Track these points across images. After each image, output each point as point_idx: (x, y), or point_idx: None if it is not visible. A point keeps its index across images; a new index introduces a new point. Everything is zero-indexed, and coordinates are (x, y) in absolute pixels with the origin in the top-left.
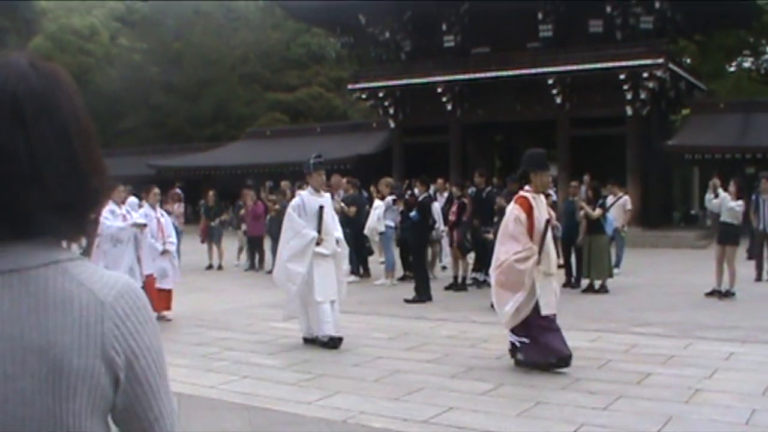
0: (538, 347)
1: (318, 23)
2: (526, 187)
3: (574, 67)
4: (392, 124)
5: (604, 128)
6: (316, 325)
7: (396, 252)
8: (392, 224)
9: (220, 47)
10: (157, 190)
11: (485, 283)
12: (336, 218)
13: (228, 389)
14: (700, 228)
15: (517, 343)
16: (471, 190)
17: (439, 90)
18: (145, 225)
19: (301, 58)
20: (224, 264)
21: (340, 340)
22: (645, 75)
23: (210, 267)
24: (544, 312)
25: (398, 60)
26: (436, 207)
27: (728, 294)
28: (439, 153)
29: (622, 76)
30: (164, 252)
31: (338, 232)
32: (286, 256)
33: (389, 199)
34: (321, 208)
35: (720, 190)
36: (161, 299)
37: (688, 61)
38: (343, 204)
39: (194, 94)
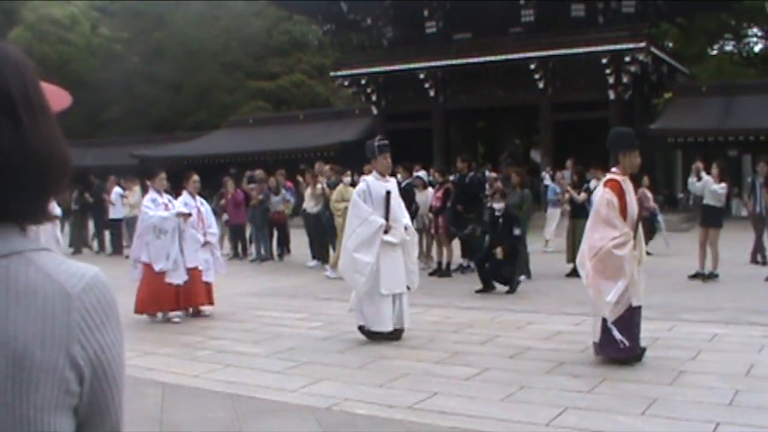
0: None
1: (299, 10)
2: (614, 170)
3: (556, 52)
4: (375, 111)
5: (587, 112)
6: (372, 318)
7: None
8: None
9: (202, 36)
10: (196, 177)
11: (469, 269)
12: (402, 204)
13: (212, 378)
14: (683, 211)
15: (621, 341)
16: (454, 175)
17: (422, 76)
18: (189, 215)
19: (283, 46)
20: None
21: (401, 331)
22: (627, 59)
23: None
24: (635, 303)
25: (380, 47)
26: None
27: (711, 276)
28: (422, 139)
29: (604, 60)
30: (205, 243)
31: (406, 219)
32: (352, 246)
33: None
34: (388, 193)
35: (703, 174)
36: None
37: (670, 44)
38: (326, 186)
39: (176, 83)
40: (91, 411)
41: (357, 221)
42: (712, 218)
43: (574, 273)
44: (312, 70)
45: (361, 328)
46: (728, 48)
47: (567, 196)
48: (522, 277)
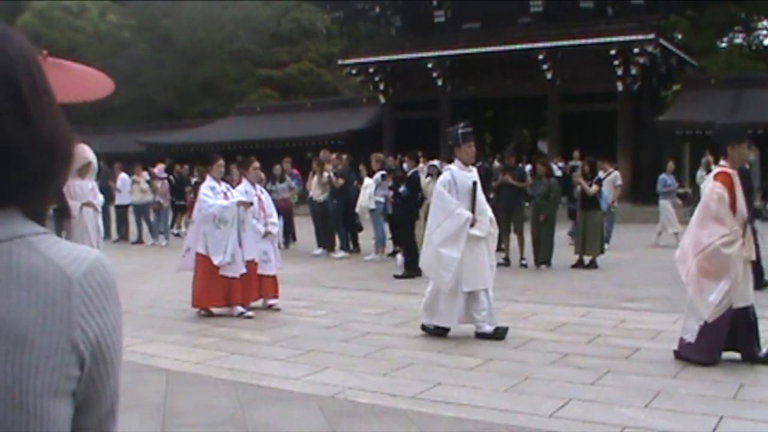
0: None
1: None
2: (722, 162)
3: (565, 43)
4: (382, 100)
5: (595, 104)
6: (443, 313)
7: (386, 227)
8: (382, 200)
9: (210, 24)
10: (257, 164)
11: None
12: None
13: (216, 365)
14: (689, 204)
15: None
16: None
17: (430, 66)
18: (251, 204)
19: (292, 34)
20: None
21: (506, 329)
22: (636, 51)
23: None
24: (738, 304)
25: (388, 35)
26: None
27: None
28: (429, 128)
29: (612, 52)
30: (266, 234)
31: (489, 211)
32: (437, 241)
33: (378, 175)
34: (474, 184)
35: (713, 167)
36: (266, 286)
37: (680, 36)
38: (332, 174)
39: (184, 71)
40: (88, 395)
41: (443, 214)
42: None
43: (580, 264)
44: (320, 58)
45: (424, 327)
46: (738, 41)
47: (579, 188)
48: (542, 266)
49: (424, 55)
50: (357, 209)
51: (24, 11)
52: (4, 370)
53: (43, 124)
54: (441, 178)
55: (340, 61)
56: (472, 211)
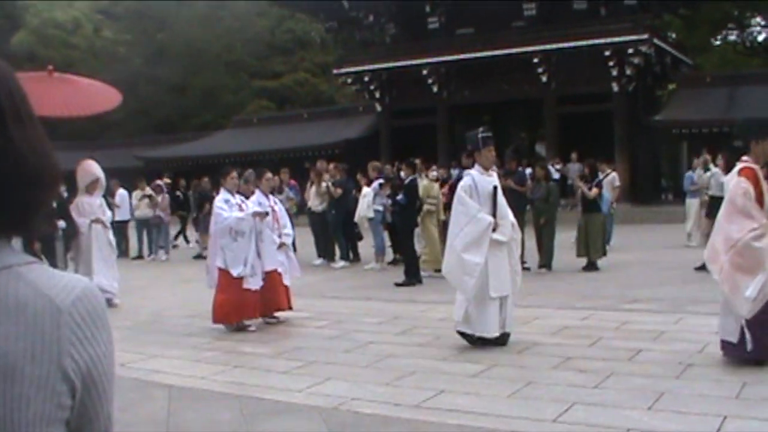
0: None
1: (302, 9)
2: (745, 158)
3: (559, 45)
4: (379, 108)
5: (591, 105)
6: (478, 323)
7: (385, 236)
8: (381, 208)
9: (205, 36)
10: (269, 175)
11: None
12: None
13: (219, 379)
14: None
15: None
16: (457, 171)
17: (425, 72)
18: (266, 214)
19: (287, 45)
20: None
21: (508, 335)
22: (630, 51)
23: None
24: None
25: (383, 43)
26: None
27: None
28: (427, 135)
29: (607, 53)
30: (280, 245)
31: (511, 215)
32: (460, 246)
33: (376, 183)
34: (495, 188)
35: (711, 165)
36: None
37: (674, 35)
38: (330, 184)
39: (180, 84)
40: (81, 423)
41: (464, 219)
42: (717, 209)
43: (590, 267)
44: (315, 68)
45: (462, 334)
46: (732, 38)
47: (579, 192)
48: (542, 269)
49: (419, 61)
50: (356, 218)
51: (19, 29)
52: None
53: (27, 151)
54: (462, 182)
55: (335, 71)
56: (494, 215)
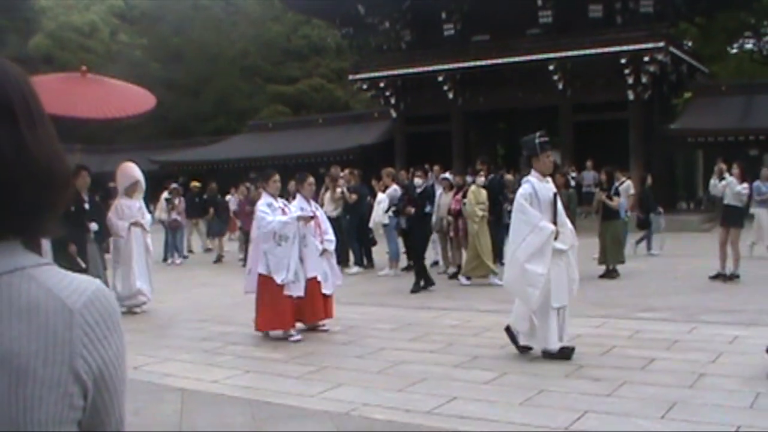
0: None
1: (317, 14)
2: None
3: (575, 53)
4: (394, 114)
5: (606, 113)
6: (542, 336)
7: (400, 242)
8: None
9: (220, 41)
10: (312, 180)
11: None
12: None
13: (231, 383)
14: (704, 211)
15: None
16: (472, 177)
17: (440, 79)
18: (312, 218)
19: (302, 50)
20: (224, 256)
21: (572, 350)
22: (646, 59)
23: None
24: None
25: (399, 49)
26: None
27: (733, 277)
28: (441, 142)
29: (623, 61)
30: (323, 252)
31: (569, 222)
32: (523, 256)
33: (391, 190)
34: (555, 195)
35: (726, 174)
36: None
37: (690, 44)
38: (345, 190)
39: (195, 88)
40: (93, 424)
41: (526, 228)
42: (733, 218)
43: (610, 273)
44: (331, 73)
45: (526, 348)
46: (748, 46)
47: (597, 199)
48: None
49: (435, 68)
50: (371, 224)
51: (36, 33)
52: (8, 402)
53: (39, 153)
54: (521, 190)
55: (350, 76)
56: (554, 223)
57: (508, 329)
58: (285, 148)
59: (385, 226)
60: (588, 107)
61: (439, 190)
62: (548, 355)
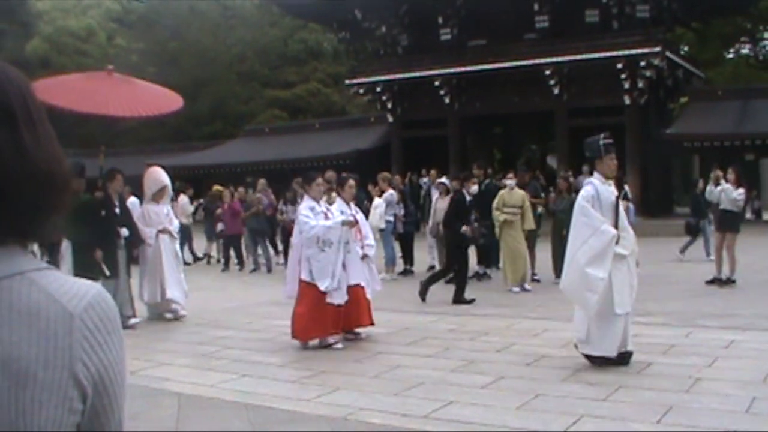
0: None
1: (314, 19)
2: None
3: (571, 58)
4: (390, 119)
5: (603, 118)
6: (598, 341)
7: (396, 246)
8: (392, 219)
9: (217, 46)
10: (352, 182)
11: (486, 276)
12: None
13: (227, 388)
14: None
15: None
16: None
17: (437, 83)
18: (356, 222)
19: (299, 55)
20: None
21: (630, 354)
22: (642, 64)
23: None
24: None
25: (395, 54)
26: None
27: (729, 282)
28: (438, 146)
29: (619, 66)
30: (363, 257)
31: (630, 227)
32: (584, 260)
33: (388, 194)
34: (617, 198)
35: (722, 181)
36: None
37: (686, 48)
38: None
39: (192, 93)
40: (92, 428)
41: (588, 231)
42: (729, 223)
43: None
44: (327, 78)
45: (586, 356)
46: (744, 51)
47: None
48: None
49: (431, 73)
50: None
51: (33, 37)
52: (8, 406)
53: (38, 155)
54: (583, 192)
55: (347, 81)
56: (615, 227)
57: (577, 347)
58: (281, 152)
59: (381, 230)
60: (584, 112)
61: (435, 195)
62: (601, 361)
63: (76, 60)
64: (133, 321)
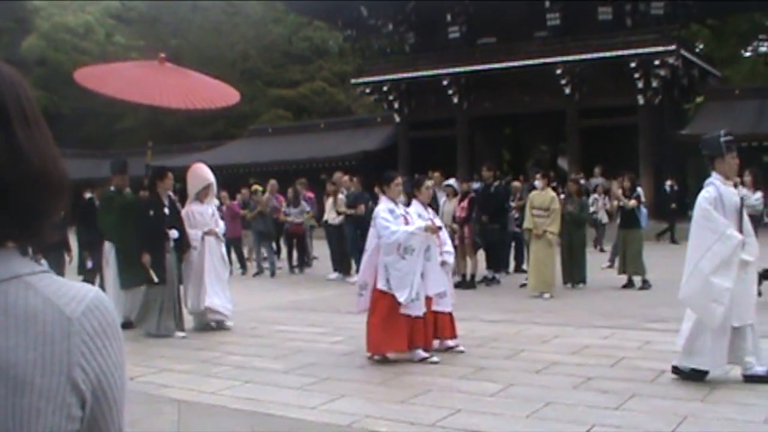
0: None
1: (319, 16)
2: None
3: (583, 56)
4: (397, 119)
5: (615, 118)
6: (702, 352)
7: None
8: None
9: (220, 44)
10: (429, 183)
11: (495, 281)
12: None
13: (230, 395)
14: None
15: None
16: (477, 184)
17: (445, 83)
18: (439, 228)
19: (304, 53)
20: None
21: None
22: (656, 62)
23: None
24: None
25: (402, 53)
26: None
27: None
28: (446, 147)
29: (632, 65)
30: (442, 263)
31: (753, 232)
32: (708, 268)
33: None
34: (741, 200)
35: (740, 187)
36: (441, 324)
37: (701, 47)
38: (347, 209)
39: None
40: None
41: (713, 236)
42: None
43: (630, 284)
44: (333, 77)
45: (677, 370)
46: (762, 49)
47: (615, 204)
48: (580, 285)
49: (439, 71)
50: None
51: (29, 34)
52: (5, 413)
53: (33, 155)
54: (705, 194)
55: (353, 80)
56: (739, 231)
57: (676, 369)
58: (285, 153)
59: None
60: (596, 112)
61: (442, 198)
62: (697, 376)
63: (73, 57)
64: (179, 335)
